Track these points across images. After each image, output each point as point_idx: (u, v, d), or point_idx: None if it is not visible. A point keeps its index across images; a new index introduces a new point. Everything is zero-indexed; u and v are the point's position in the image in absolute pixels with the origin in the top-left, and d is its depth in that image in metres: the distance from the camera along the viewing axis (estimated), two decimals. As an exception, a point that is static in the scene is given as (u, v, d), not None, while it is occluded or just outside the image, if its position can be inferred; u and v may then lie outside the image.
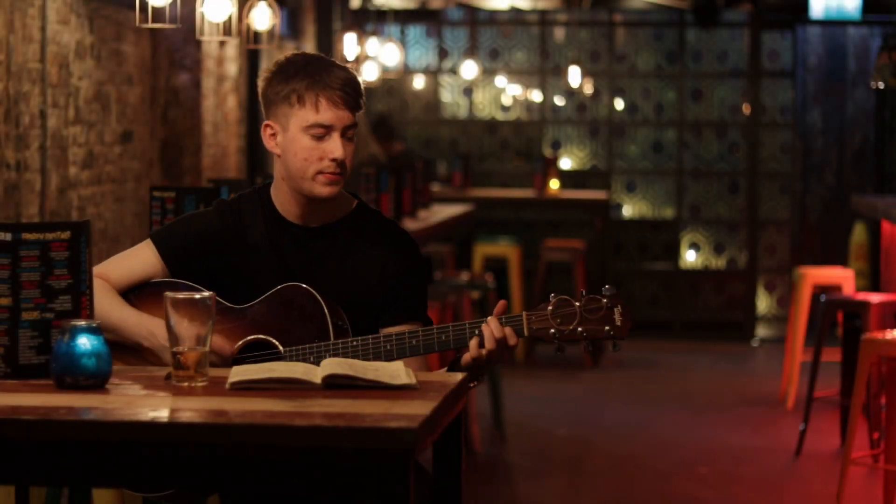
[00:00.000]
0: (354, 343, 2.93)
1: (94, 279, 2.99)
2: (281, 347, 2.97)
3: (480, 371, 2.96)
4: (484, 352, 2.89)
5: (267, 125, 3.05)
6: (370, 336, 2.95)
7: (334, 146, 2.99)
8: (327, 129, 2.99)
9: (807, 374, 7.15)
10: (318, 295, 2.96)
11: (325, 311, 2.95)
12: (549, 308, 2.90)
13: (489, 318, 2.90)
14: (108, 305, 2.98)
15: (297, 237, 3.08)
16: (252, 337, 2.99)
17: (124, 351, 2.99)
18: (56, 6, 5.86)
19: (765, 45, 11.00)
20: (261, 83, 3.06)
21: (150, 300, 3.04)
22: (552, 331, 2.89)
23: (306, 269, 3.05)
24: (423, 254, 3.19)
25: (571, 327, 2.89)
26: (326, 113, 2.99)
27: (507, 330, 2.89)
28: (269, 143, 3.06)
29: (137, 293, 3.06)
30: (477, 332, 2.91)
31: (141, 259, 3.08)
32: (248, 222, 3.09)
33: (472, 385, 2.99)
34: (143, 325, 2.97)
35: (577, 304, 2.89)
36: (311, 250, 3.08)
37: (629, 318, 2.89)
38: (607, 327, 2.89)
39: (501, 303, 2.97)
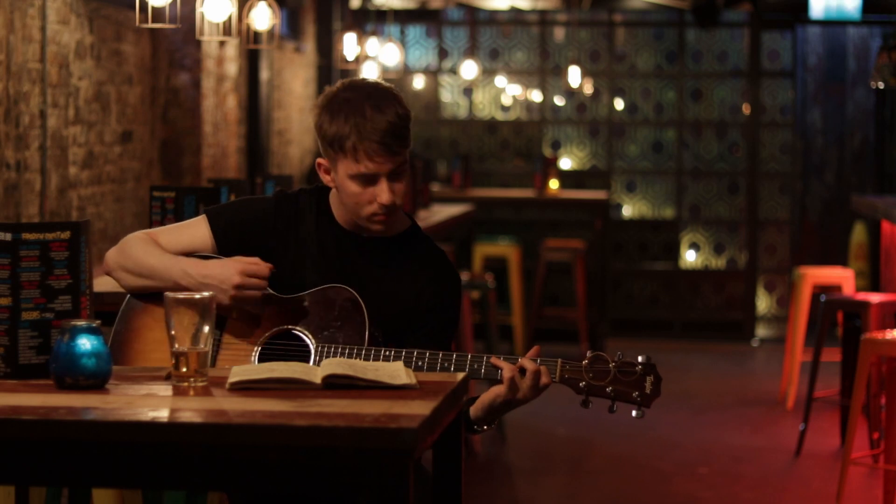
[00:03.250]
0: (387, 353, 2.92)
1: (144, 235, 3.09)
2: (314, 342, 2.97)
3: (497, 413, 2.95)
4: (518, 379, 2.87)
5: (319, 163, 3.06)
6: (404, 349, 2.94)
7: (380, 191, 2.99)
8: (373, 176, 2.98)
9: (807, 374, 7.15)
10: (362, 302, 2.96)
11: (366, 318, 2.95)
12: (585, 362, 2.92)
13: (522, 357, 2.91)
14: (146, 253, 3.04)
15: (345, 243, 3.09)
16: (287, 326, 3.00)
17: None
18: (56, 6, 5.86)
19: (765, 45, 11.00)
20: (314, 113, 3.04)
21: None
22: (582, 383, 2.91)
23: (346, 275, 3.05)
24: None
25: (602, 384, 2.91)
26: (367, 164, 2.97)
27: (542, 367, 2.90)
28: (323, 177, 3.07)
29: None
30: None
31: (192, 232, 3.11)
32: (302, 219, 3.11)
33: (482, 429, 2.98)
34: (178, 266, 3.01)
35: (612, 363, 2.91)
36: (355, 258, 3.08)
37: (658, 389, 2.92)
38: (636, 393, 2.91)
39: (536, 347, 2.98)
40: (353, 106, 2.97)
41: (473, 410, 2.96)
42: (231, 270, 2.96)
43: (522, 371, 2.89)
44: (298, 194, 3.14)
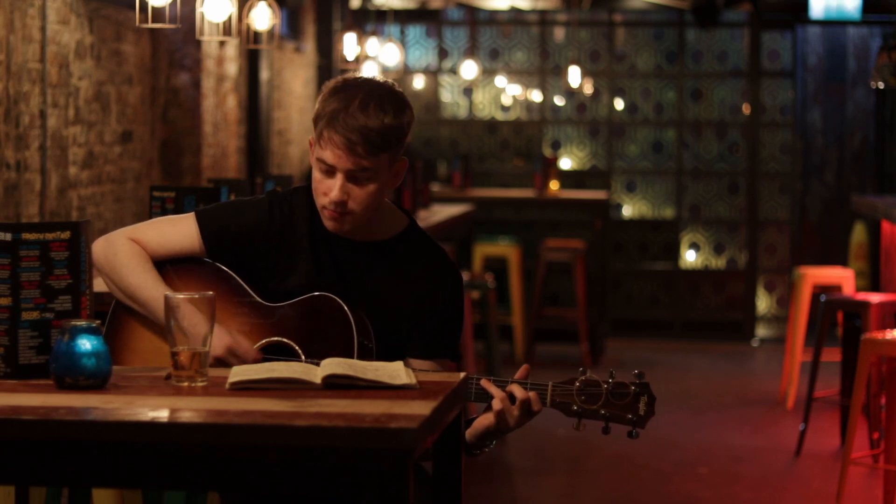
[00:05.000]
0: None
1: (130, 244, 2.99)
2: (303, 355, 2.91)
3: (492, 438, 2.90)
4: (514, 411, 2.83)
5: (310, 140, 2.99)
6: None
7: (332, 186, 2.91)
8: (331, 168, 2.90)
9: (807, 374, 7.15)
10: (348, 311, 2.89)
11: (353, 328, 2.88)
12: (577, 384, 2.86)
13: (512, 382, 2.84)
14: (137, 277, 2.95)
15: (338, 247, 3.01)
16: (276, 339, 2.94)
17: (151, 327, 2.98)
18: (56, 6, 5.86)
19: (765, 45, 11.00)
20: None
21: (188, 277, 3.01)
22: (574, 407, 2.86)
23: (342, 281, 2.98)
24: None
25: (594, 407, 2.86)
26: (329, 152, 2.89)
27: (532, 395, 2.84)
28: (311, 159, 2.99)
29: (175, 266, 3.02)
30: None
31: (181, 232, 3.01)
32: (295, 221, 3.01)
33: (477, 453, 2.93)
34: None
35: (605, 385, 2.86)
36: (351, 263, 3.00)
37: (653, 409, 2.87)
38: (630, 415, 2.86)
39: (525, 367, 2.92)
40: (346, 95, 2.89)
41: (469, 436, 2.89)
42: (218, 343, 2.84)
43: (512, 398, 2.83)
44: (292, 194, 3.05)
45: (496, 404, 2.83)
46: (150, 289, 2.94)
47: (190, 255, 3.02)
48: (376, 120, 2.86)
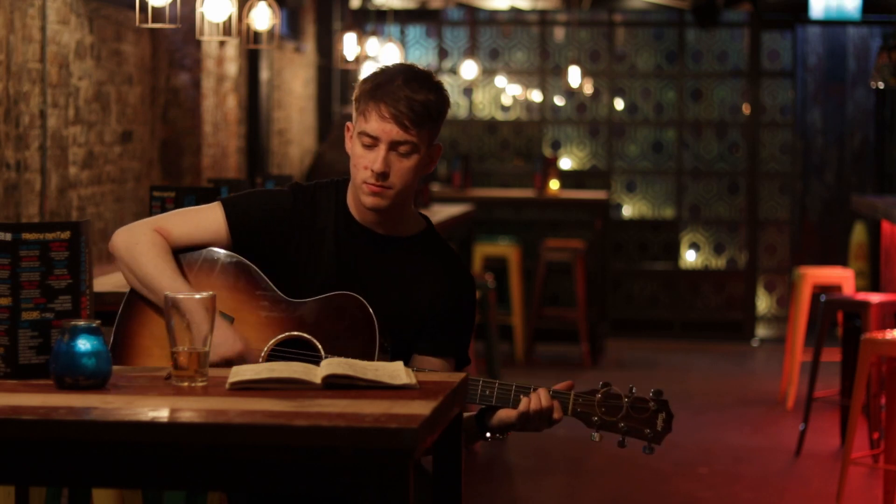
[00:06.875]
0: None
1: (153, 234, 3.00)
2: (323, 351, 2.93)
3: (508, 430, 2.99)
4: (531, 412, 2.90)
5: (347, 126, 3.06)
6: (415, 367, 2.93)
7: (375, 158, 2.96)
8: (374, 140, 2.96)
9: (807, 374, 7.15)
10: (372, 312, 2.92)
11: (376, 329, 2.92)
12: (598, 396, 2.93)
13: (540, 388, 2.92)
14: (157, 268, 2.96)
15: (361, 238, 3.05)
16: (297, 333, 2.96)
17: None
18: (56, 6, 5.86)
19: (765, 45, 11.00)
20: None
21: (209, 269, 3.02)
22: (595, 418, 2.94)
23: (361, 272, 3.03)
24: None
25: (614, 420, 2.94)
26: (373, 124, 2.96)
27: (555, 403, 2.92)
28: (346, 143, 3.06)
29: (198, 258, 3.03)
30: (523, 395, 2.92)
31: (206, 221, 3.04)
32: (319, 211, 3.07)
33: (494, 438, 3.01)
34: None
35: (626, 399, 2.93)
36: (372, 255, 3.05)
37: (670, 426, 2.94)
38: (648, 430, 2.94)
39: (569, 382, 2.99)
40: (388, 74, 2.99)
41: (490, 420, 2.98)
42: (231, 348, 2.89)
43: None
44: (314, 188, 3.10)
45: (522, 405, 2.90)
46: (166, 278, 2.95)
47: (214, 244, 3.04)
48: (420, 94, 2.96)
